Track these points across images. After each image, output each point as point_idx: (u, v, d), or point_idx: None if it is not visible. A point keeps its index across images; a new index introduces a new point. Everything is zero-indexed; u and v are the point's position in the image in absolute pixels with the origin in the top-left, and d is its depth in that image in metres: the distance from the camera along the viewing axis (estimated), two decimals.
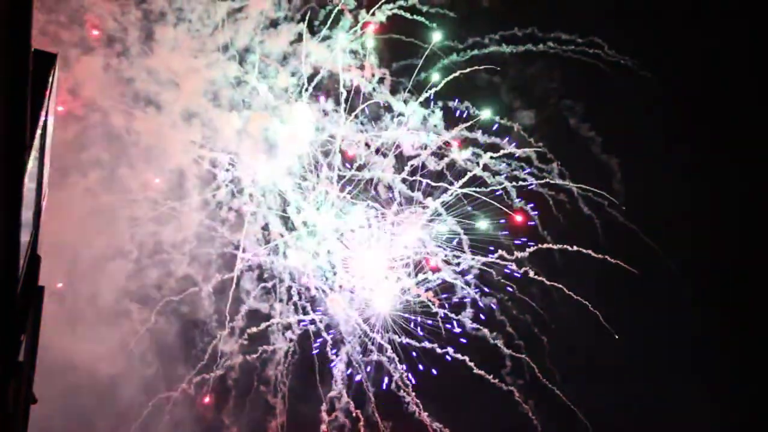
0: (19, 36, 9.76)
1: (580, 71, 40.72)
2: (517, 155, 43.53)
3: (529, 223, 43.91)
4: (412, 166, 44.39)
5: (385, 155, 44.20)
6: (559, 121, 42.50)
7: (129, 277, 43.52)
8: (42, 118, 12.24)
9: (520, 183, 43.56)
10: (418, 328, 46.49)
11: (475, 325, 45.39)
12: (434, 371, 45.81)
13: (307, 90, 42.57)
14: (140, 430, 44.55)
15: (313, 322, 47.00)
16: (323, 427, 46.40)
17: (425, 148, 43.68)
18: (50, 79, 12.81)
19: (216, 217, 44.98)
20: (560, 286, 43.53)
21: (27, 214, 12.13)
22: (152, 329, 44.56)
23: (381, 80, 42.74)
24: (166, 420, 45.05)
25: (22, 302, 12.19)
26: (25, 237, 11.89)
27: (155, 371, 44.99)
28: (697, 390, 44.19)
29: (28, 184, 11.37)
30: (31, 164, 11.37)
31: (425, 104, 43.10)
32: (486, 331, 44.98)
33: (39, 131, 12.04)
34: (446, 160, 44.03)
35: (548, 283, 43.63)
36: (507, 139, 43.39)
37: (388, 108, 43.35)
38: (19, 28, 9.69)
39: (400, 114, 43.28)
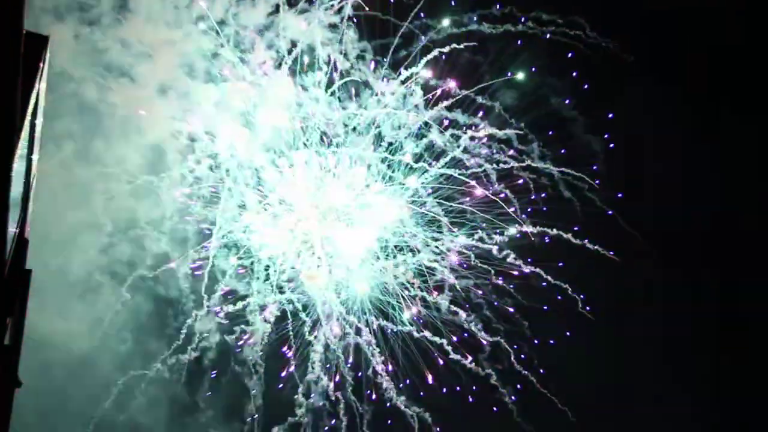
0: (10, 20, 9.83)
1: (561, 52, 40.83)
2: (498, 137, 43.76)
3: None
4: (391, 145, 44.64)
5: (361, 134, 44.40)
6: (540, 102, 42.71)
7: (102, 252, 43.44)
8: (32, 102, 12.27)
9: (501, 166, 43.78)
10: (397, 311, 47.00)
11: (453, 308, 45.89)
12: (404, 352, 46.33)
13: (285, 63, 42.42)
14: (114, 408, 44.61)
15: (291, 302, 47.21)
16: (300, 410, 46.73)
17: (401, 128, 43.92)
18: (41, 62, 12.79)
19: (193, 193, 44.90)
20: (538, 270, 44.08)
21: (15, 197, 12.23)
22: (126, 307, 44.52)
23: (360, 57, 42.70)
24: (140, 399, 45.08)
25: (8, 285, 12.31)
26: (12, 220, 12.01)
27: (129, 349, 45.04)
28: (677, 379, 45.48)
29: (17, 167, 11.45)
30: (21, 147, 11.44)
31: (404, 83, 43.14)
32: (463, 314, 45.49)
33: (29, 115, 12.08)
34: (425, 140, 44.28)
35: (525, 268, 44.19)
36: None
37: (367, 85, 43.32)
38: (11, 12, 9.76)
39: (380, 93, 43.30)
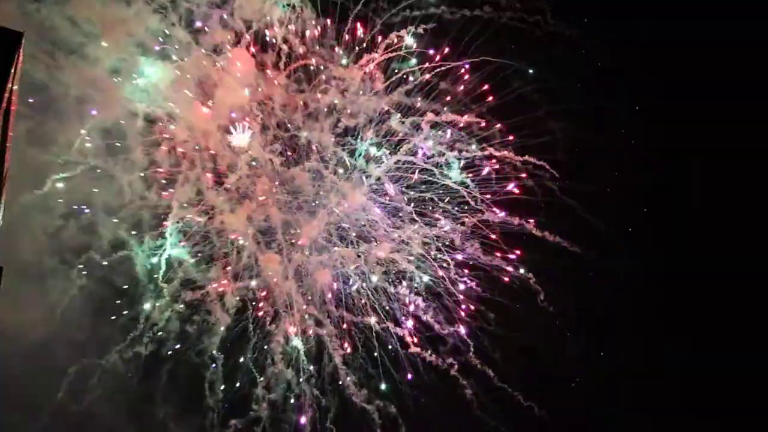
0: None
1: (521, 37, 40.74)
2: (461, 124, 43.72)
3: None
4: (351, 128, 44.68)
5: (317, 118, 44.40)
6: (503, 88, 42.63)
7: (54, 237, 43.34)
8: (5, 99, 12.19)
9: (463, 154, 43.71)
10: (359, 301, 47.01)
11: (415, 299, 45.81)
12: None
13: (241, 44, 42.45)
14: (68, 401, 44.41)
15: (251, 290, 47.14)
16: (260, 405, 46.66)
17: (360, 113, 43.93)
18: (15, 59, 12.65)
19: (149, 177, 44.81)
20: (498, 263, 44.02)
21: None
22: (81, 294, 44.41)
23: (320, 42, 42.75)
24: (95, 392, 44.96)
25: None
26: None
27: (83, 339, 44.83)
28: (641, 369, 45.48)
29: None
30: None
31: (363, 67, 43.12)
32: (422, 305, 45.42)
33: (2, 113, 11.98)
34: (385, 127, 44.28)
35: (483, 259, 44.14)
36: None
37: (325, 68, 43.35)
38: None
39: (337, 78, 43.37)
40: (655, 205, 44.48)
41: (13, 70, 13.46)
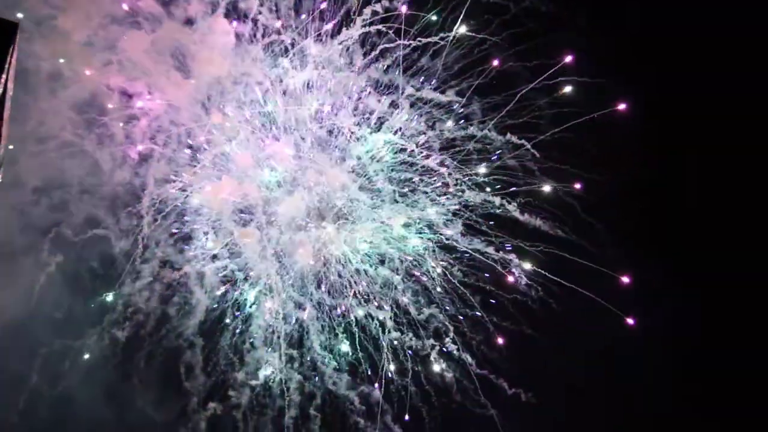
0: None
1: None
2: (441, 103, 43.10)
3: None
4: (329, 105, 44.05)
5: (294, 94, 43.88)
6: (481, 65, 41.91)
7: (25, 215, 43.02)
8: (1, 87, 12.11)
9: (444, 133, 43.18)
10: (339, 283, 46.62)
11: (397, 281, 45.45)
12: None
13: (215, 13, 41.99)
14: (44, 385, 44.20)
15: (232, 271, 46.74)
16: (241, 389, 46.46)
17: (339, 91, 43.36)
18: (10, 50, 12.61)
19: (124, 153, 44.42)
20: (475, 246, 43.48)
21: None
22: (55, 274, 44.13)
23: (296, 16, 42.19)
24: (73, 376, 44.65)
25: None
26: None
27: (59, 322, 44.53)
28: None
29: None
30: None
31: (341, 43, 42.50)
32: (402, 288, 45.01)
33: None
34: (362, 107, 43.77)
35: (462, 242, 43.69)
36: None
37: (300, 42, 42.76)
38: None
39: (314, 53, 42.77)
40: (652, 202, 44.05)
41: (8, 65, 13.27)
